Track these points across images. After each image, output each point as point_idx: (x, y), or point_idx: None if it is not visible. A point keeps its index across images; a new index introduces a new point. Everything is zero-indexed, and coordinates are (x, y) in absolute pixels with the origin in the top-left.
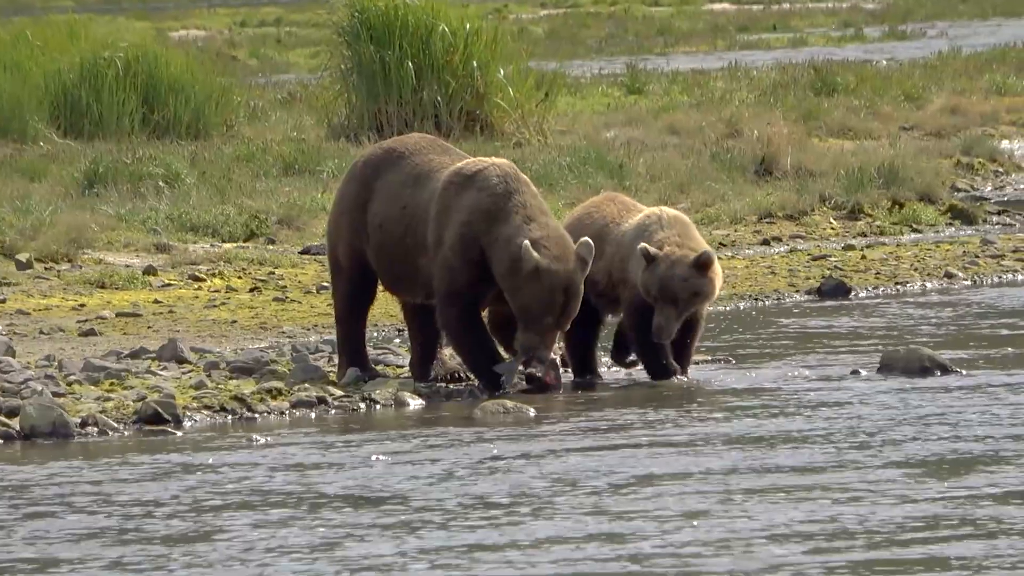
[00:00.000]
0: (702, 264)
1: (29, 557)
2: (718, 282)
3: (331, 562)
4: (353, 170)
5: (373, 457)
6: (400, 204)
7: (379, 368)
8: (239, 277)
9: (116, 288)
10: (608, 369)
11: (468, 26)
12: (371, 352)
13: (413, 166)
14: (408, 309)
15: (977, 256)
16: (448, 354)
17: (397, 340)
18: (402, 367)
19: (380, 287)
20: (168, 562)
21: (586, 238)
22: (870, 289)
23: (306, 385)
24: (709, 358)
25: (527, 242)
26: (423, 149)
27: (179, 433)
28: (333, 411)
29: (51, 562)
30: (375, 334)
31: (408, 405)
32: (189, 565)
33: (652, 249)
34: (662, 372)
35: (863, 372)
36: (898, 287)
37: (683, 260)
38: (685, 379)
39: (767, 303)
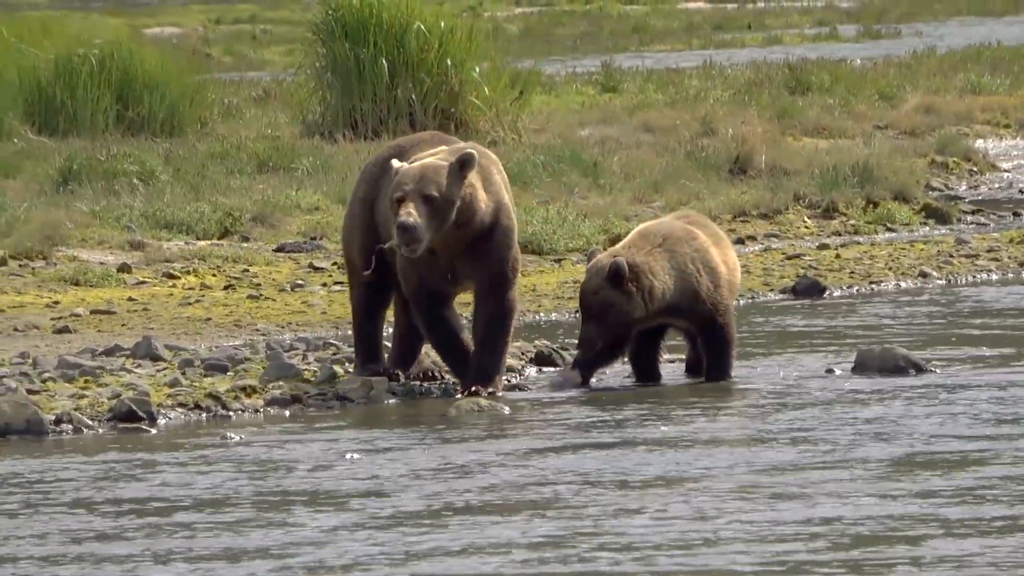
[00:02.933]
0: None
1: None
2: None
3: (304, 560)
4: (364, 169)
5: (347, 455)
6: None
7: None
8: (213, 275)
9: (90, 285)
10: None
11: (443, 24)
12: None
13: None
14: (400, 304)
15: (951, 255)
16: (424, 352)
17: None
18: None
19: None
20: (140, 560)
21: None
22: (844, 288)
23: (280, 383)
24: (682, 357)
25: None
26: (424, 143)
27: (153, 431)
28: (308, 409)
29: (19, 559)
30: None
31: (383, 403)
32: (160, 563)
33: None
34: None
35: (837, 371)
36: (872, 286)
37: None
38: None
39: (741, 302)
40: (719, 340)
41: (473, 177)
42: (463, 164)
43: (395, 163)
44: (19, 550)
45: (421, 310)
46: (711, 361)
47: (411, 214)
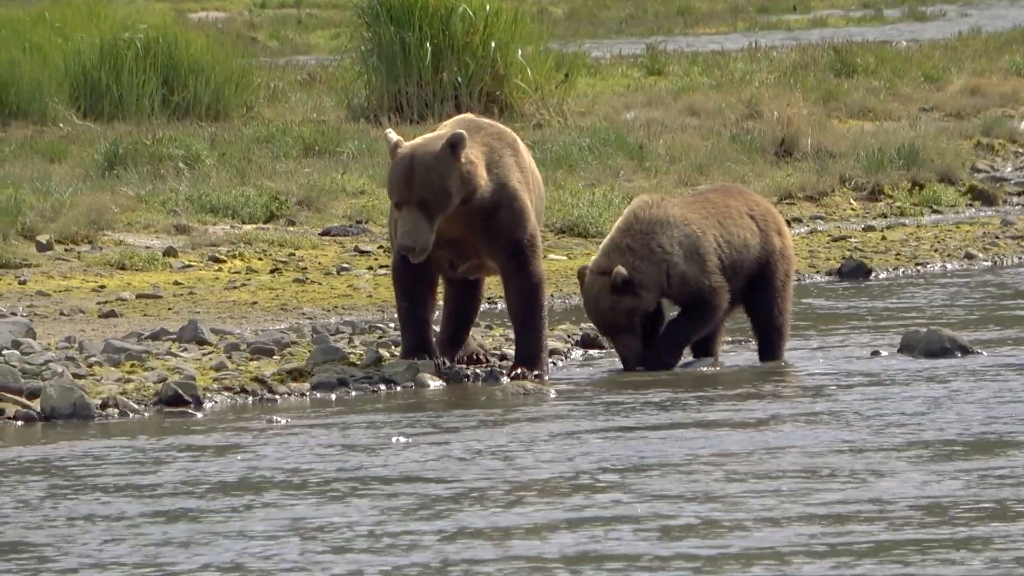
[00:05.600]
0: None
1: (43, 542)
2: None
3: (352, 544)
4: None
5: (393, 438)
6: None
7: None
8: (259, 258)
9: (136, 269)
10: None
11: (488, 7)
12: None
13: None
14: (449, 287)
15: (997, 237)
16: (471, 336)
17: None
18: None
19: None
20: (186, 542)
21: None
22: (890, 270)
23: (326, 366)
24: (729, 339)
25: None
26: (451, 124)
27: (199, 415)
28: (353, 392)
29: (69, 543)
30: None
31: (428, 386)
32: (206, 545)
33: None
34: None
35: (884, 352)
36: (918, 268)
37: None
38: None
39: (786, 282)
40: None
41: (474, 155)
42: (454, 147)
43: (392, 136)
44: (65, 533)
45: (398, 275)
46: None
47: (408, 228)
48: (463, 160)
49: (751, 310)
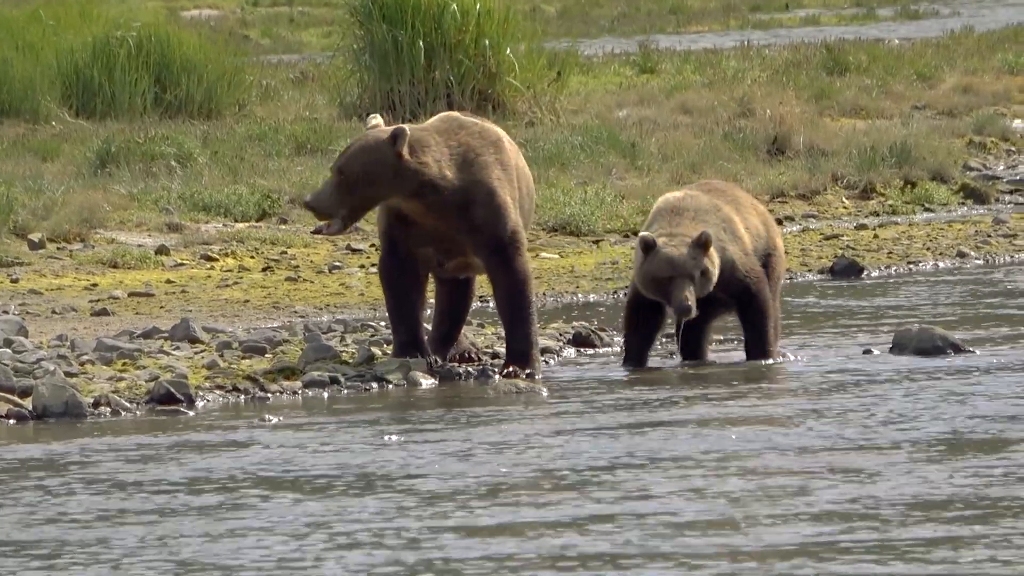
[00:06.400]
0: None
1: (33, 540)
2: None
3: (341, 541)
4: None
5: (385, 437)
6: None
7: None
8: (251, 257)
9: (128, 268)
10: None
11: (479, 5)
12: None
13: None
14: (440, 285)
15: (989, 235)
16: (463, 334)
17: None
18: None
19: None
20: (178, 542)
21: None
22: (882, 268)
23: (318, 365)
24: (721, 338)
25: None
26: (433, 122)
27: (192, 413)
28: (345, 391)
29: (61, 543)
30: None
31: (420, 384)
32: (196, 543)
33: None
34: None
35: (875, 351)
36: (910, 266)
37: None
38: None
39: (779, 282)
40: (759, 312)
41: (437, 153)
42: (395, 138)
43: (375, 119)
44: (56, 533)
45: (384, 273)
46: (749, 339)
47: (314, 192)
48: (407, 154)
49: (748, 306)
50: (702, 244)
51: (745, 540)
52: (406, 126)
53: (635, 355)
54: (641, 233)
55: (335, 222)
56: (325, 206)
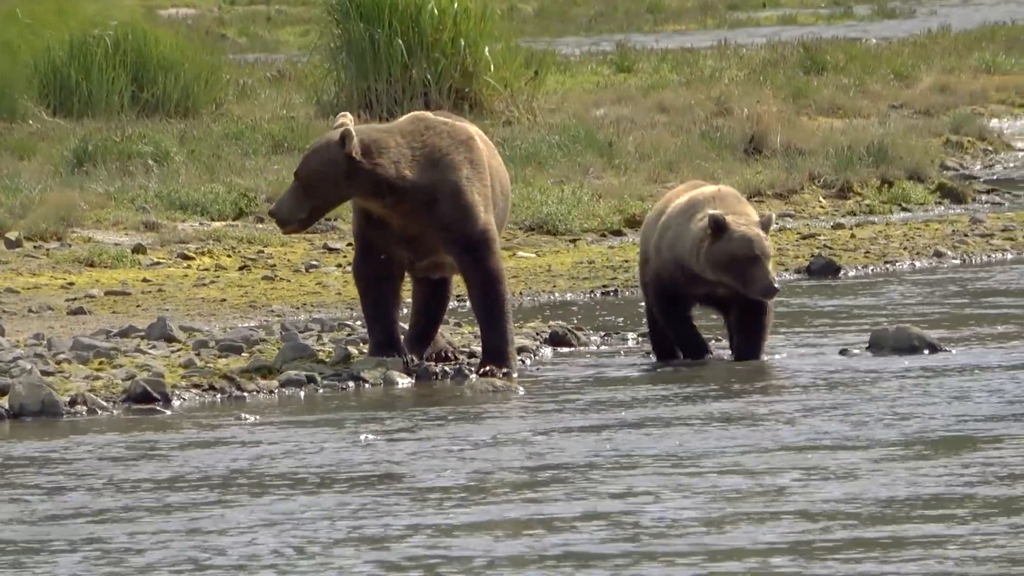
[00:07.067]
0: None
1: (9, 539)
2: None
3: (316, 540)
4: None
5: (361, 436)
6: None
7: None
8: (228, 255)
9: (105, 267)
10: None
11: (457, 4)
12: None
13: None
14: (416, 285)
15: (966, 235)
16: (439, 333)
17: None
18: None
19: None
20: (150, 540)
21: None
22: (859, 268)
23: (295, 364)
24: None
25: None
26: (402, 122)
27: (168, 412)
28: (322, 390)
29: (38, 542)
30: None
31: (397, 384)
32: (170, 542)
33: None
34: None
35: (852, 350)
36: (887, 266)
37: None
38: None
39: None
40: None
41: (394, 154)
42: (343, 139)
43: (343, 117)
44: (33, 531)
45: (358, 274)
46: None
47: (278, 202)
48: (359, 155)
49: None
50: (766, 226)
51: (719, 540)
52: (352, 127)
53: (695, 343)
54: (711, 212)
55: (293, 224)
56: (285, 213)
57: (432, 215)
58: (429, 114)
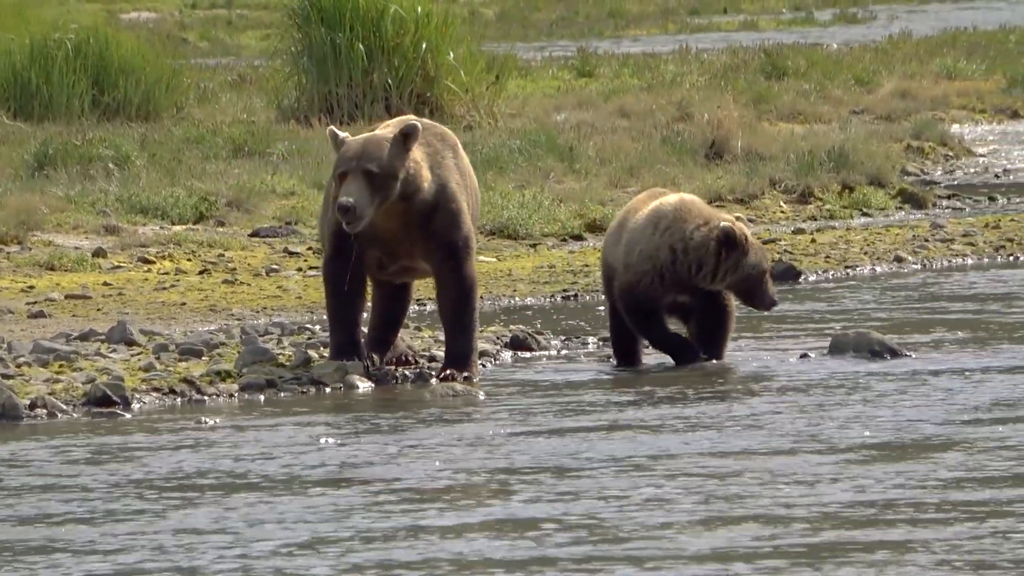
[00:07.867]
0: None
1: None
2: None
3: (274, 545)
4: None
5: (321, 440)
6: None
7: None
8: (188, 259)
9: (65, 270)
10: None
11: (419, 8)
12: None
13: None
14: (378, 288)
15: (927, 240)
16: (399, 337)
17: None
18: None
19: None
20: (107, 543)
21: None
22: (820, 273)
23: (255, 367)
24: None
25: None
26: (394, 125)
27: (128, 415)
28: (282, 394)
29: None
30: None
31: (357, 388)
32: (128, 546)
33: None
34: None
35: (812, 355)
36: (848, 271)
37: None
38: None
39: None
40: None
41: (418, 154)
42: (407, 136)
43: (339, 132)
44: None
45: (329, 274)
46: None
47: (351, 193)
48: (410, 157)
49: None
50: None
51: (675, 544)
52: (415, 123)
53: (684, 345)
54: (723, 224)
55: (365, 219)
56: (365, 205)
57: (428, 220)
58: (415, 117)
